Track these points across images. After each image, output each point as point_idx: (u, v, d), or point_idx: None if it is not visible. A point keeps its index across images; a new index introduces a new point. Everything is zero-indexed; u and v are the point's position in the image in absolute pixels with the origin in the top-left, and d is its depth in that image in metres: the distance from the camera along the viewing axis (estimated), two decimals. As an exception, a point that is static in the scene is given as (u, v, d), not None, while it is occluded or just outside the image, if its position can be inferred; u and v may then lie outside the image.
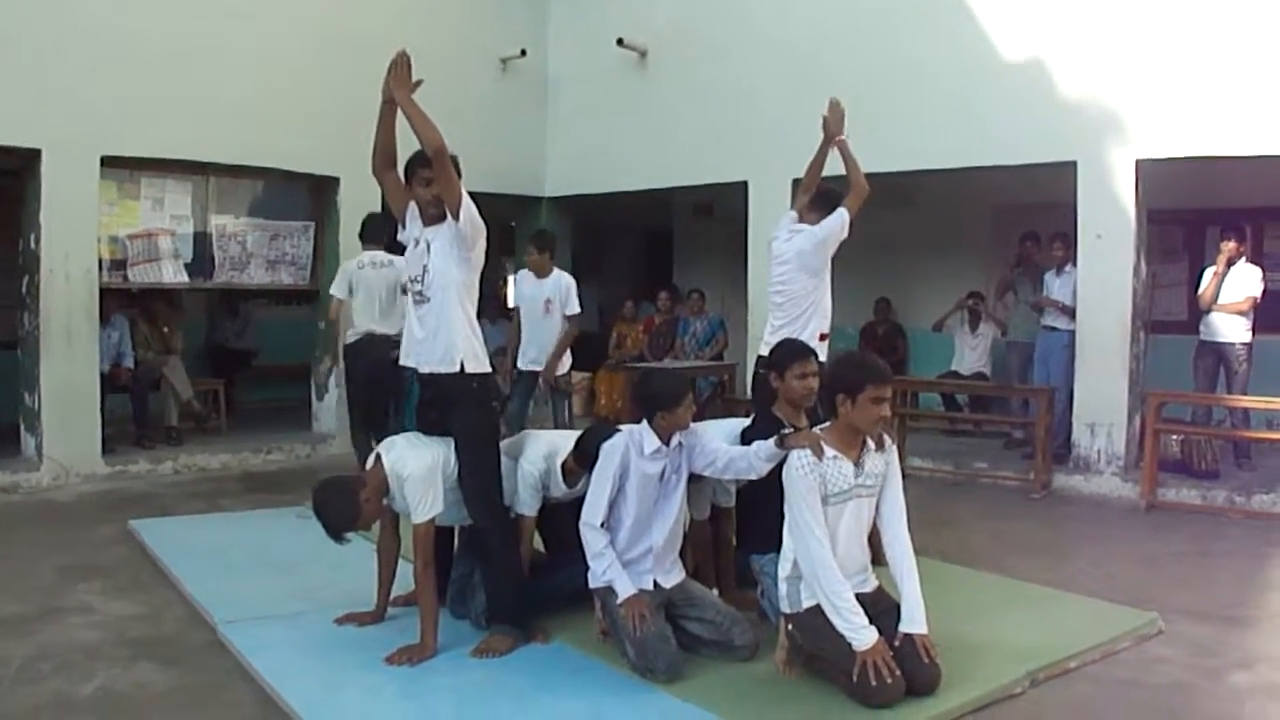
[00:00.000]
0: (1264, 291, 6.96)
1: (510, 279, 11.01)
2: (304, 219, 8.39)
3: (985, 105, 7.23)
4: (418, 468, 3.70)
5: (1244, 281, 6.93)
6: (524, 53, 9.47)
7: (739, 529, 4.25)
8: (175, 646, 3.90)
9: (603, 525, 3.70)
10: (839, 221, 4.77)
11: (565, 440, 4.11)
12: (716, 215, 10.84)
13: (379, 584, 4.08)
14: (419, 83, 3.75)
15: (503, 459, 3.97)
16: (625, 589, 3.64)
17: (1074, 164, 6.91)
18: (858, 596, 3.40)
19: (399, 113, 3.76)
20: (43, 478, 6.80)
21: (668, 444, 3.73)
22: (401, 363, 3.97)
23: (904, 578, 3.48)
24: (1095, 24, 6.82)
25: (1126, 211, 6.79)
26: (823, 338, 4.78)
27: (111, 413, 7.45)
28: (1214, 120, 6.38)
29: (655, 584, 3.75)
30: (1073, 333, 7.18)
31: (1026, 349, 7.88)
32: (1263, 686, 3.61)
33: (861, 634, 3.31)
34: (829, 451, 3.44)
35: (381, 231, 6.26)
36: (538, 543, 4.33)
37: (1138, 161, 6.72)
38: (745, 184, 8.51)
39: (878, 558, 3.69)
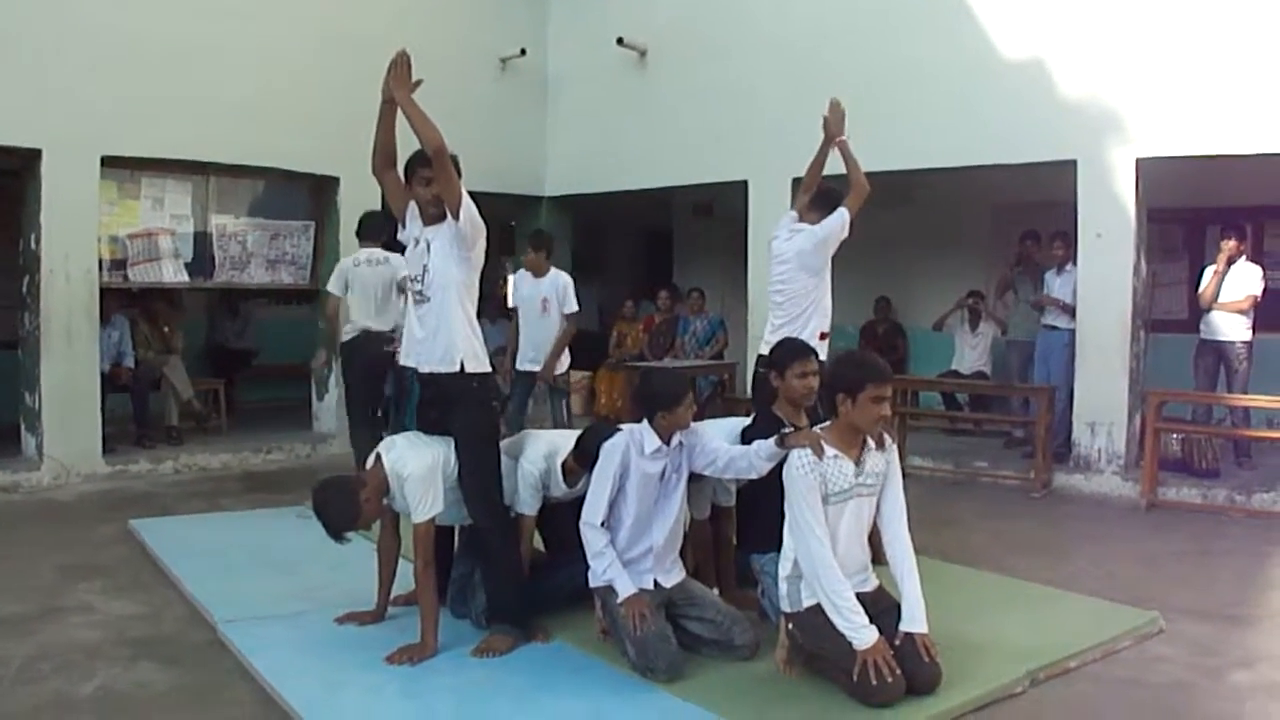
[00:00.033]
0: (1264, 290, 6.96)
1: (510, 279, 11.00)
2: (304, 219, 8.40)
3: (985, 104, 7.22)
4: (418, 467, 3.70)
5: (1244, 280, 6.93)
6: (524, 52, 9.47)
7: (739, 528, 4.25)
8: (175, 646, 3.90)
9: (603, 524, 3.70)
10: (839, 221, 4.77)
11: (565, 440, 4.11)
12: (716, 215, 10.83)
13: (379, 583, 4.08)
14: (419, 82, 3.75)
15: (503, 458, 3.97)
16: (625, 588, 3.64)
17: (1074, 163, 6.91)
18: (858, 596, 3.40)
19: (399, 112, 3.75)
20: (43, 477, 6.81)
21: (668, 443, 3.73)
22: (402, 362, 3.97)
23: (904, 577, 3.48)
24: (1095, 23, 6.81)
25: (1127, 210, 6.79)
26: (823, 337, 4.78)
27: (112, 412, 7.46)
28: (1214, 119, 6.38)
29: (655, 583, 3.74)
30: (1073, 331, 7.18)
31: (1027, 348, 7.88)
32: (1263, 685, 3.60)
33: (862, 633, 3.31)
34: (829, 451, 3.44)
35: (379, 229, 6.26)
36: (538, 542, 4.33)
37: (1138, 160, 6.72)
38: (745, 183, 8.51)
39: (878, 557, 3.69)
